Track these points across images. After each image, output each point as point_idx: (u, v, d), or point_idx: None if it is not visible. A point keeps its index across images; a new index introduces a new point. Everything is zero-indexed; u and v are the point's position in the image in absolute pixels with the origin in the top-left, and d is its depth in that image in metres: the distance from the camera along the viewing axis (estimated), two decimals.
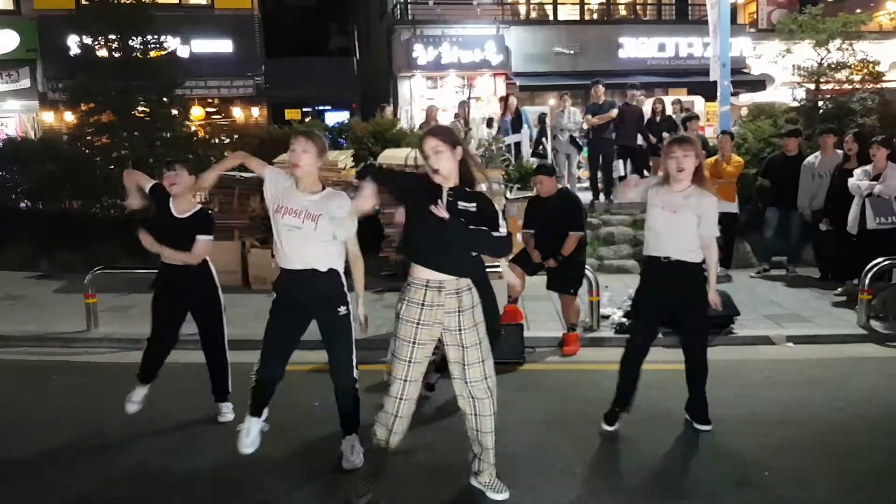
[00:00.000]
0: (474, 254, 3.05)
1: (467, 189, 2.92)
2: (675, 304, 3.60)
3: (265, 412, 3.31)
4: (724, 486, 3.19)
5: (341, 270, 3.27)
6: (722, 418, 3.91)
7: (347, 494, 3.12)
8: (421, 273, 2.91)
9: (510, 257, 4.83)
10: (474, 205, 2.87)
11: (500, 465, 3.39)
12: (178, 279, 3.91)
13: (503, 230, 2.91)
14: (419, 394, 3.05)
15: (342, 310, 3.25)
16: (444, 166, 2.84)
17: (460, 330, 2.93)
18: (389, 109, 11.39)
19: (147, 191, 3.91)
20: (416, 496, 3.20)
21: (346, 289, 3.28)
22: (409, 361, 2.93)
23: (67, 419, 4.15)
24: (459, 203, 2.85)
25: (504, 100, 11.18)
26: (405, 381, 2.95)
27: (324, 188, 3.26)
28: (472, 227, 2.86)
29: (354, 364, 3.36)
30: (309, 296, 3.21)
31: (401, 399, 2.97)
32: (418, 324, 2.90)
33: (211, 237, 3.91)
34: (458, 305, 2.91)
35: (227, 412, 4.08)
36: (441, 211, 2.79)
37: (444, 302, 2.89)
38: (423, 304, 2.89)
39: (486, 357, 2.99)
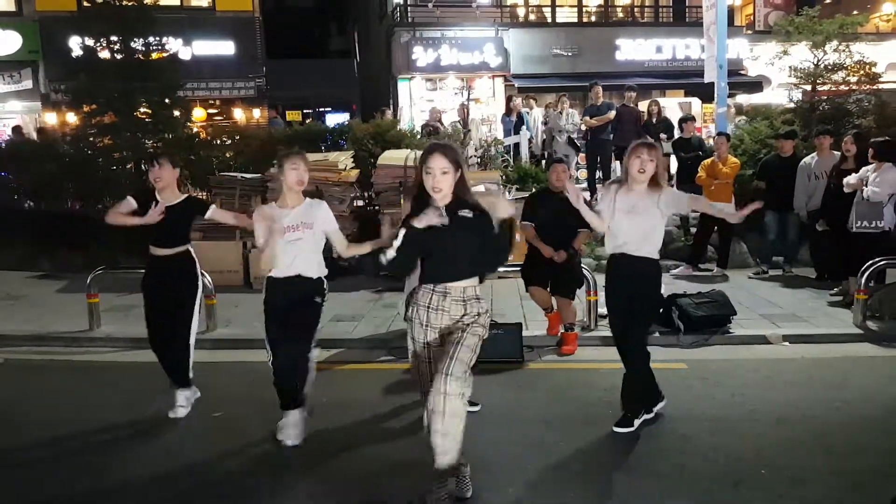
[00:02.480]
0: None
1: (464, 201, 2.92)
2: (631, 297, 3.76)
3: (305, 402, 3.62)
4: (722, 485, 3.22)
5: (324, 276, 3.69)
6: (720, 418, 3.95)
7: (344, 490, 3.15)
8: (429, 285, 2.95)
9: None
10: (471, 213, 2.89)
11: (500, 464, 3.43)
12: (166, 269, 4.07)
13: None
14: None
15: (318, 299, 3.66)
16: (447, 186, 2.86)
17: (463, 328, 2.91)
18: (390, 113, 11.44)
19: (132, 205, 4.05)
20: (413, 496, 3.22)
21: (325, 287, 3.70)
22: (428, 360, 2.93)
23: (68, 419, 4.16)
24: (459, 211, 2.87)
25: (508, 100, 11.25)
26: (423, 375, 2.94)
27: (304, 198, 3.67)
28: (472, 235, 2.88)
29: (314, 339, 3.68)
30: (297, 296, 3.60)
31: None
32: (426, 326, 2.93)
33: (213, 206, 4.22)
34: (464, 311, 2.91)
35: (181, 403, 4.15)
36: (435, 218, 2.79)
37: (450, 308, 2.91)
38: (429, 308, 2.92)
39: (471, 359, 2.88)
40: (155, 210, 3.92)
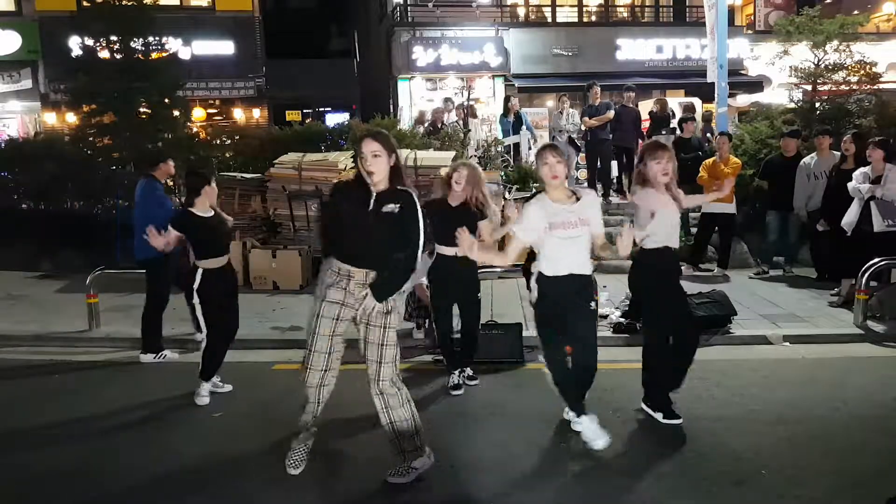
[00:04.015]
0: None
1: (398, 188, 3.09)
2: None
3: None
4: (722, 485, 3.22)
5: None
6: (720, 417, 3.95)
7: (345, 489, 3.16)
8: (337, 264, 3.12)
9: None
10: (398, 206, 3.05)
11: (501, 464, 3.43)
12: (224, 280, 4.33)
13: (418, 238, 3.08)
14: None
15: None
16: (380, 170, 3.01)
17: (366, 323, 3.12)
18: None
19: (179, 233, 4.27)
20: (413, 495, 3.23)
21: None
22: (314, 334, 3.10)
23: (67, 419, 4.17)
24: (384, 207, 3.03)
25: (506, 101, 11.25)
26: (311, 352, 3.11)
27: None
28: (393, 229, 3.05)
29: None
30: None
31: (311, 369, 3.13)
32: (323, 300, 3.09)
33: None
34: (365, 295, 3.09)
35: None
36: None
37: (354, 290, 3.09)
38: (331, 285, 3.09)
39: (394, 360, 3.16)
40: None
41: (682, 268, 7.56)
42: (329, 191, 3.26)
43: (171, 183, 9.63)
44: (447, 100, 11.65)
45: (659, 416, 3.88)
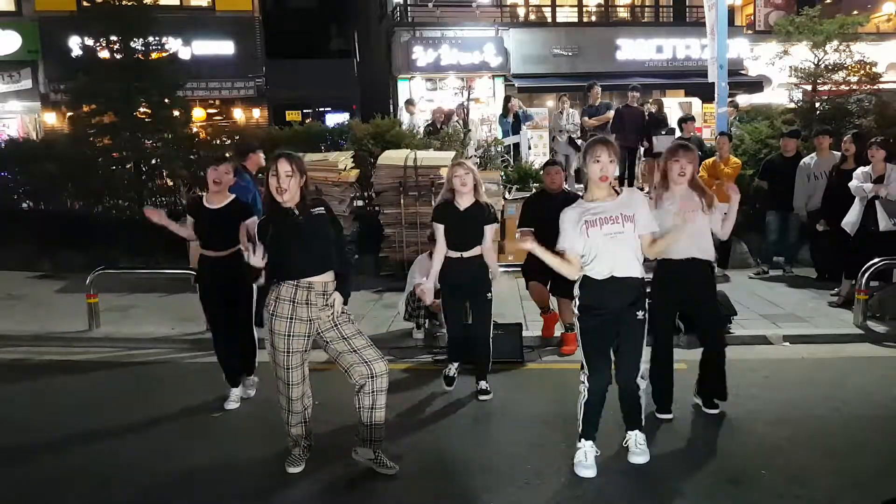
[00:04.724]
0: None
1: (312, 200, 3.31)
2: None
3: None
4: (721, 485, 3.22)
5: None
6: (720, 417, 3.95)
7: (345, 490, 3.15)
8: (289, 284, 3.21)
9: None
10: (322, 209, 3.28)
11: (500, 464, 3.43)
12: (221, 270, 4.10)
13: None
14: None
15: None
16: (292, 188, 3.18)
17: (335, 325, 3.24)
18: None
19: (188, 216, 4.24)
20: (414, 495, 3.23)
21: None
22: (287, 352, 3.21)
23: (67, 419, 4.17)
24: (313, 210, 3.23)
25: (506, 101, 11.25)
26: (288, 369, 3.22)
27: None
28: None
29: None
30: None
31: (291, 385, 3.25)
32: (290, 319, 3.19)
33: (255, 217, 4.03)
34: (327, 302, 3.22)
35: (248, 389, 4.36)
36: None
37: (316, 301, 3.20)
38: (294, 301, 3.18)
39: (370, 343, 3.30)
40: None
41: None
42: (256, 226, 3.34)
43: (172, 183, 9.65)
44: (460, 106, 11.61)
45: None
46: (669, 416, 3.92)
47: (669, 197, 3.70)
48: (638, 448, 3.37)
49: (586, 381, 3.29)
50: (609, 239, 3.17)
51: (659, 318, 3.76)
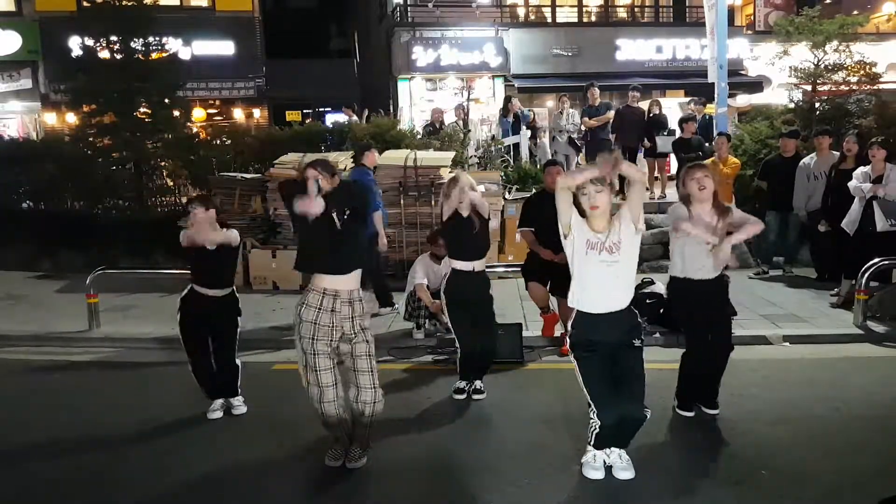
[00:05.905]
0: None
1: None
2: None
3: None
4: (722, 485, 3.22)
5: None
6: (720, 418, 3.95)
7: (345, 490, 3.15)
8: (319, 282, 3.31)
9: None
10: (348, 209, 3.30)
11: (501, 464, 3.43)
12: (216, 308, 4.13)
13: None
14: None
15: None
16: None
17: (352, 337, 3.36)
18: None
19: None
20: (414, 495, 3.23)
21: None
22: (312, 339, 3.30)
23: (66, 419, 4.17)
24: (344, 214, 3.25)
25: (506, 101, 11.25)
26: (315, 354, 3.29)
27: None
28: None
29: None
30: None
31: (319, 371, 3.30)
32: (318, 310, 3.29)
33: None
34: (351, 313, 3.32)
35: (239, 405, 4.27)
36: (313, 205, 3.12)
37: (341, 309, 3.29)
38: (319, 308, 3.28)
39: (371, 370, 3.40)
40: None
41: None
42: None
43: (172, 183, 9.66)
44: (460, 106, 11.60)
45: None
46: (690, 413, 3.96)
47: (693, 215, 3.75)
48: (624, 463, 3.27)
49: (597, 418, 3.16)
50: (604, 267, 3.13)
51: (686, 326, 4.00)
